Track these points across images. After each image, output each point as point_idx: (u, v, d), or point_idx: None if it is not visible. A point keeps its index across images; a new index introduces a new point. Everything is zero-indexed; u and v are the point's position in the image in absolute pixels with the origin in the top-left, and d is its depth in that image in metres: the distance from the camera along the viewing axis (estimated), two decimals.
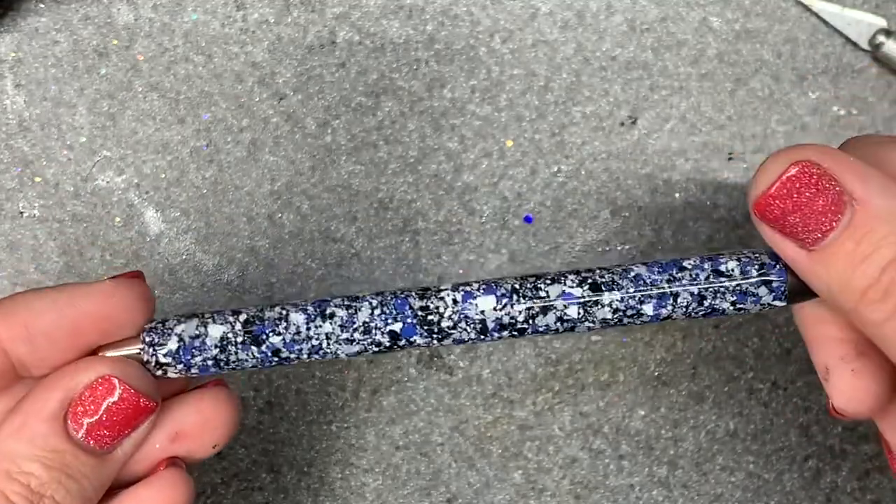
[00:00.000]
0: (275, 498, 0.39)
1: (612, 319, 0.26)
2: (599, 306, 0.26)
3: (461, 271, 0.39)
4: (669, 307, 0.26)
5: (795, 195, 0.24)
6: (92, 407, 0.25)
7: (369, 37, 0.39)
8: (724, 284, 0.26)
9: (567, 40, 0.39)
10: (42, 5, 0.39)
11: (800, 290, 0.26)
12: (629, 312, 0.26)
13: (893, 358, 0.23)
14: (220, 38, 0.39)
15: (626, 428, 0.39)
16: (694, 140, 0.39)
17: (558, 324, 0.26)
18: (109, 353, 0.27)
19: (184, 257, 0.39)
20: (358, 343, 0.26)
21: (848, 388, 0.27)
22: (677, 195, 0.39)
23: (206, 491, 0.39)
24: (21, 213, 0.39)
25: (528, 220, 0.39)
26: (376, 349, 0.26)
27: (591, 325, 0.26)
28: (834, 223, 0.23)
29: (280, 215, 0.39)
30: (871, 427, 0.39)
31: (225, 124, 0.39)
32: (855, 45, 0.39)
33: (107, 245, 0.39)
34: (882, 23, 0.39)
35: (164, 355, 0.27)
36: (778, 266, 0.26)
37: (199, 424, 0.28)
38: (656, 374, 0.39)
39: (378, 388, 0.39)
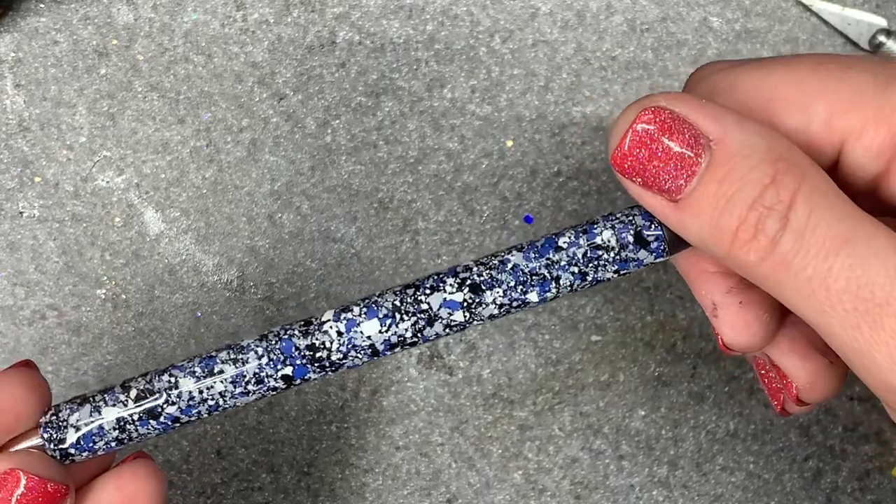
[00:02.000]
0: (275, 498, 0.39)
1: (500, 314, 0.26)
2: (483, 305, 0.26)
3: None
4: (553, 290, 0.26)
5: (649, 143, 0.23)
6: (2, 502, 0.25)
7: (369, 37, 0.39)
8: (602, 257, 0.25)
9: (567, 40, 0.39)
10: (42, 5, 0.39)
11: (677, 241, 0.25)
12: (515, 304, 0.26)
13: (777, 296, 0.22)
14: (220, 38, 0.39)
15: (627, 428, 0.39)
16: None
17: (448, 330, 0.26)
18: (13, 449, 0.27)
19: (184, 257, 0.39)
20: (254, 393, 0.26)
21: (738, 321, 0.26)
22: None
23: (206, 491, 0.39)
24: (21, 213, 0.39)
25: (528, 220, 0.39)
26: (275, 393, 0.26)
27: (481, 322, 0.26)
28: (693, 168, 0.22)
29: (280, 215, 0.39)
30: (872, 427, 0.39)
31: (225, 124, 0.39)
32: (855, 44, 0.39)
33: (107, 245, 0.39)
34: (882, 23, 0.39)
35: (67, 448, 0.27)
36: (653, 225, 0.25)
37: (122, 502, 0.28)
38: (656, 374, 0.39)
39: (378, 388, 0.39)
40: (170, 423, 0.26)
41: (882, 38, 0.38)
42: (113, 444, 0.27)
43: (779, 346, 0.27)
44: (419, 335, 0.26)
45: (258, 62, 0.39)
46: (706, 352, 0.39)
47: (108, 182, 0.39)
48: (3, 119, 0.39)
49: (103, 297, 0.39)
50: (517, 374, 0.39)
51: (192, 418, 0.26)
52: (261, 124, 0.39)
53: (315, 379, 0.26)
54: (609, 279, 0.25)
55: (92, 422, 0.27)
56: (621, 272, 0.25)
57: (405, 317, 0.26)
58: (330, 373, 0.26)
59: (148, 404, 0.26)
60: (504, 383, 0.39)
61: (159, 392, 0.26)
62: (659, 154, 0.23)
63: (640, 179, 0.23)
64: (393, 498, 0.39)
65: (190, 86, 0.39)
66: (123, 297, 0.39)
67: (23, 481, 0.25)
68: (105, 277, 0.39)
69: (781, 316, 0.26)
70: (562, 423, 0.39)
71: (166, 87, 0.39)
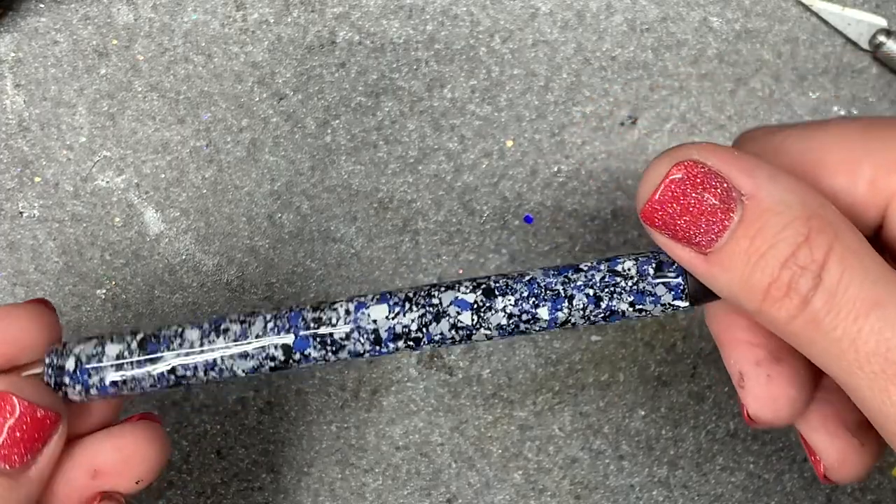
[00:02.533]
0: (275, 498, 0.39)
1: (508, 326, 0.26)
2: (493, 311, 0.26)
3: (460, 271, 0.39)
4: (566, 310, 0.25)
5: (681, 198, 0.23)
6: None
7: (369, 37, 0.39)
8: (619, 284, 0.25)
9: (567, 40, 0.39)
10: (42, 5, 0.39)
11: (704, 292, 0.25)
12: (524, 317, 0.25)
13: (808, 355, 0.22)
14: (220, 38, 0.39)
15: (627, 428, 0.39)
16: (694, 140, 0.39)
17: (453, 332, 0.26)
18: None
19: (184, 257, 0.39)
20: (253, 358, 0.26)
21: (764, 395, 0.26)
22: None
23: (206, 491, 0.39)
24: (21, 213, 0.39)
25: (528, 220, 0.39)
26: (271, 364, 0.26)
27: (488, 331, 0.26)
28: (725, 223, 0.22)
29: (280, 215, 0.39)
30: None
31: (225, 124, 0.39)
32: (855, 45, 0.39)
33: (107, 245, 0.39)
34: (882, 23, 0.39)
35: (63, 374, 0.27)
36: (675, 265, 0.25)
37: (118, 461, 0.28)
38: (656, 374, 0.39)
39: (378, 388, 0.39)
40: (165, 372, 0.26)
41: (882, 38, 0.38)
42: (107, 382, 0.26)
43: (809, 422, 0.26)
44: (423, 330, 0.26)
45: (258, 62, 0.39)
46: (706, 352, 0.39)
47: (108, 182, 0.39)
48: (3, 119, 0.39)
49: (103, 297, 0.39)
50: (517, 374, 0.39)
51: (188, 372, 0.26)
52: (261, 124, 0.39)
53: (315, 359, 0.26)
54: (624, 313, 0.25)
55: (93, 354, 0.26)
56: (637, 305, 0.25)
57: (414, 307, 0.26)
58: (330, 354, 0.26)
59: (150, 349, 0.26)
60: (504, 383, 0.39)
61: (164, 339, 0.26)
62: (690, 209, 0.23)
63: (669, 233, 0.23)
64: (393, 498, 0.39)
65: (190, 86, 0.39)
66: (123, 297, 0.39)
67: (17, 407, 0.25)
68: (105, 277, 0.39)
69: (811, 391, 0.26)
70: (562, 423, 0.39)
71: (166, 87, 0.39)
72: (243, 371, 0.26)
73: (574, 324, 0.26)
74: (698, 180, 0.22)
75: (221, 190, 0.39)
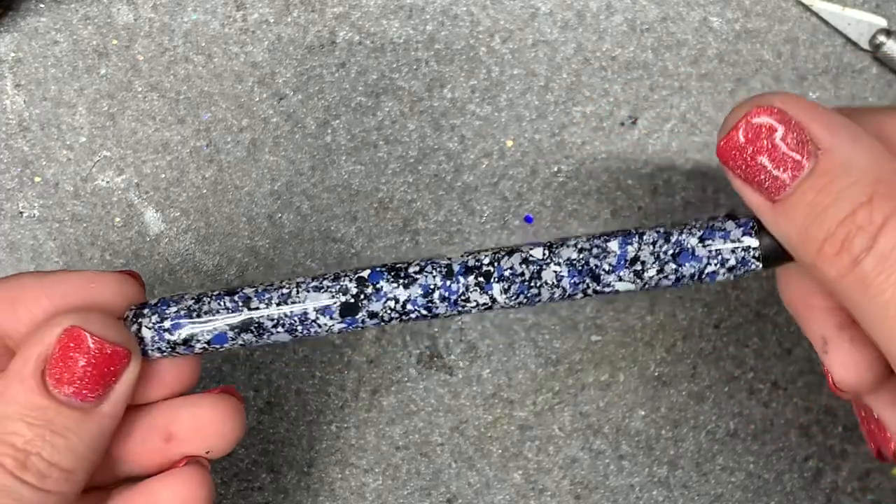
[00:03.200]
0: (275, 498, 0.39)
1: (579, 260, 0.26)
2: (565, 246, 0.26)
3: None
4: (636, 243, 0.25)
5: (757, 141, 0.23)
6: (63, 360, 0.25)
7: (369, 37, 0.39)
8: (690, 223, 0.26)
9: (567, 40, 0.39)
10: (42, 5, 0.39)
11: (776, 253, 0.25)
12: (595, 251, 0.26)
13: (854, 315, 0.22)
14: (220, 38, 0.39)
15: (626, 428, 0.39)
16: (694, 140, 0.39)
17: (523, 266, 0.26)
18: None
19: (184, 257, 0.39)
20: (326, 290, 0.26)
21: (847, 358, 0.26)
22: (677, 195, 0.39)
23: None
24: (21, 213, 0.39)
25: (528, 220, 0.39)
26: (343, 299, 0.26)
27: (558, 267, 0.26)
28: (796, 172, 0.23)
29: (280, 215, 0.39)
30: None
31: (225, 124, 0.39)
32: (855, 45, 0.39)
33: (107, 245, 0.39)
34: (882, 23, 0.39)
35: (142, 308, 0.27)
36: (746, 219, 0.25)
37: (193, 428, 0.28)
38: (656, 374, 0.39)
39: (378, 388, 0.39)
40: (240, 303, 0.27)
41: (882, 38, 0.38)
42: (183, 313, 0.27)
43: (882, 398, 0.26)
44: (495, 265, 0.26)
45: (258, 62, 0.39)
46: (706, 352, 0.39)
47: (108, 182, 0.39)
48: (3, 119, 0.39)
49: None
50: (517, 374, 0.39)
51: (262, 304, 0.27)
52: (261, 124, 0.39)
53: (385, 294, 0.26)
54: (693, 250, 0.25)
55: (178, 295, 0.27)
56: (706, 242, 0.25)
57: (488, 250, 0.26)
58: (401, 287, 0.26)
59: (230, 288, 0.27)
60: (504, 383, 0.39)
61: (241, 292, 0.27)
62: (766, 152, 0.23)
63: (742, 173, 0.23)
64: (393, 498, 0.39)
65: (190, 86, 0.39)
66: None
67: (87, 342, 0.25)
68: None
69: (888, 364, 0.26)
70: (562, 423, 0.39)
71: (166, 87, 0.39)
72: (315, 309, 0.27)
73: (643, 264, 0.25)
74: (777, 126, 0.23)
75: (221, 190, 0.39)
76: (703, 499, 0.39)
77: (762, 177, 0.23)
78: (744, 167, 0.23)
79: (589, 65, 0.39)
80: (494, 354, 0.39)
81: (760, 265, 0.25)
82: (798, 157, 0.23)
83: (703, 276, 0.25)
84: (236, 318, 0.27)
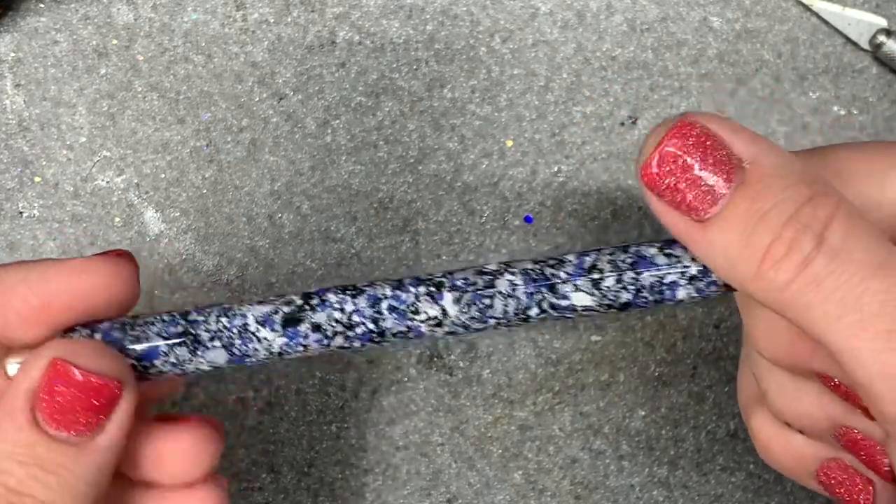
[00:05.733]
0: (275, 498, 0.39)
1: (534, 269, 0.25)
2: (522, 261, 0.25)
3: None
4: (593, 254, 0.25)
5: (683, 160, 0.22)
6: (49, 395, 0.24)
7: (369, 37, 0.39)
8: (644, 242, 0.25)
9: (567, 40, 0.39)
10: (42, 5, 0.39)
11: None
12: (551, 262, 0.25)
13: (802, 323, 0.21)
14: (220, 38, 0.39)
15: (627, 428, 0.39)
16: None
17: (477, 276, 0.25)
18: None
19: (184, 257, 0.39)
20: (270, 303, 0.26)
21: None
22: None
23: None
24: (21, 213, 0.39)
25: (528, 220, 0.39)
26: (287, 309, 0.25)
27: (512, 276, 0.25)
28: (725, 188, 0.22)
29: (280, 215, 0.39)
30: None
31: (225, 124, 0.39)
32: (855, 44, 0.39)
33: (107, 245, 0.39)
34: (882, 23, 0.39)
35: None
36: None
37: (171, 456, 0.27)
38: (656, 374, 0.39)
39: (378, 388, 0.39)
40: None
41: (882, 38, 0.38)
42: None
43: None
44: (449, 276, 0.25)
45: (258, 62, 0.39)
46: (706, 352, 0.39)
47: (108, 182, 0.39)
48: (3, 119, 0.39)
49: None
50: (517, 374, 0.39)
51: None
52: (261, 124, 0.39)
53: (330, 304, 0.25)
54: (650, 257, 0.24)
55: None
56: (665, 250, 0.24)
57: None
58: (349, 296, 0.25)
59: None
60: (504, 383, 0.39)
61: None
62: (689, 172, 0.22)
63: (668, 197, 0.23)
64: (393, 498, 0.39)
65: (190, 86, 0.39)
66: None
67: (75, 374, 0.24)
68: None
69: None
70: (562, 423, 0.39)
71: (166, 87, 0.39)
72: (255, 320, 0.25)
73: (601, 272, 0.24)
74: (700, 143, 0.22)
75: (221, 190, 0.39)
76: (703, 499, 0.39)
77: (689, 198, 0.22)
78: (670, 190, 0.22)
79: (589, 65, 0.39)
80: (494, 354, 0.39)
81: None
82: (725, 171, 0.22)
83: (665, 287, 0.24)
84: (173, 329, 0.25)
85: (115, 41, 0.39)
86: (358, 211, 0.39)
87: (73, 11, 0.39)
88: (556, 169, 0.39)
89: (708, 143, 0.22)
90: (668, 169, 0.22)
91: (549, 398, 0.39)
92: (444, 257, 0.39)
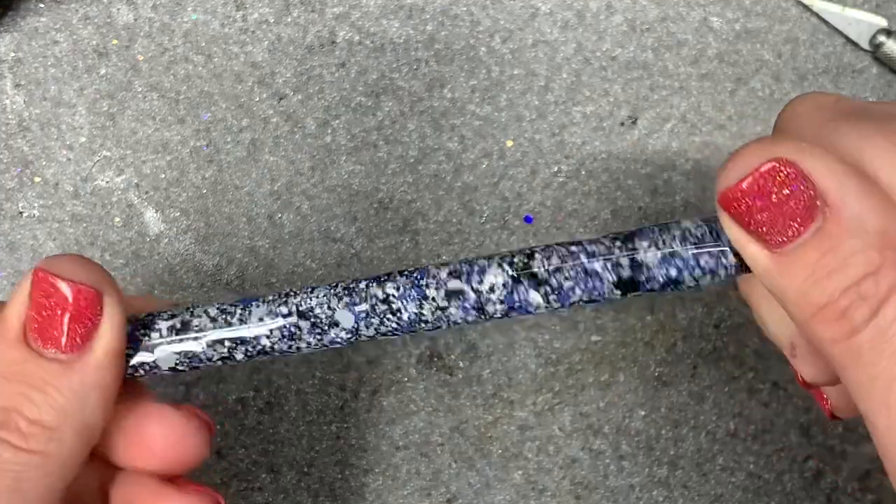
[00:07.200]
0: (275, 498, 0.39)
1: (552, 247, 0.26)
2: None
3: None
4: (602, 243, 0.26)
5: (767, 194, 0.22)
6: (36, 310, 0.25)
7: (369, 37, 0.39)
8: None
9: (567, 40, 0.39)
10: (42, 5, 0.39)
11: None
12: (560, 247, 0.26)
13: (838, 374, 0.22)
14: (220, 38, 0.39)
15: (627, 428, 0.39)
16: (694, 140, 0.39)
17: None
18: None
19: (184, 257, 0.39)
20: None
21: (816, 360, 0.26)
22: (677, 195, 0.39)
23: None
24: (21, 213, 0.39)
25: (528, 220, 0.39)
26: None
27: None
28: (802, 229, 0.22)
29: (280, 215, 0.39)
30: None
31: (225, 124, 0.39)
32: (855, 45, 0.39)
33: (107, 245, 0.39)
34: (882, 23, 0.39)
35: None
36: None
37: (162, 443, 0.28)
38: (656, 374, 0.39)
39: (378, 388, 0.39)
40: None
41: (882, 38, 0.38)
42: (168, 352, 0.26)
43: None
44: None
45: (258, 62, 0.39)
46: (706, 352, 0.39)
47: (108, 182, 0.39)
48: (3, 119, 0.39)
49: None
50: (517, 374, 0.39)
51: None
52: (261, 124, 0.39)
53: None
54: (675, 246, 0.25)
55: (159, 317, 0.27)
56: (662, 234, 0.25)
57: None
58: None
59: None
60: (504, 383, 0.39)
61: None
62: (772, 208, 0.22)
63: (744, 224, 0.23)
64: (393, 498, 0.39)
65: (190, 86, 0.39)
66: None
67: (60, 286, 0.25)
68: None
69: None
70: (562, 423, 0.39)
71: (166, 87, 0.39)
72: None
73: (611, 250, 0.25)
74: (788, 180, 0.22)
75: (221, 190, 0.39)
76: (703, 499, 0.39)
77: (765, 229, 0.22)
78: (747, 218, 0.23)
79: (589, 65, 0.39)
80: (494, 354, 0.39)
81: (735, 261, 0.25)
82: (806, 213, 0.22)
83: (675, 264, 0.25)
84: (173, 322, 0.27)
85: (115, 41, 0.39)
86: (358, 211, 0.39)
87: (73, 11, 0.39)
88: (556, 169, 0.39)
89: (796, 179, 0.22)
90: (752, 197, 0.23)
91: (549, 398, 0.39)
92: (444, 257, 0.39)
